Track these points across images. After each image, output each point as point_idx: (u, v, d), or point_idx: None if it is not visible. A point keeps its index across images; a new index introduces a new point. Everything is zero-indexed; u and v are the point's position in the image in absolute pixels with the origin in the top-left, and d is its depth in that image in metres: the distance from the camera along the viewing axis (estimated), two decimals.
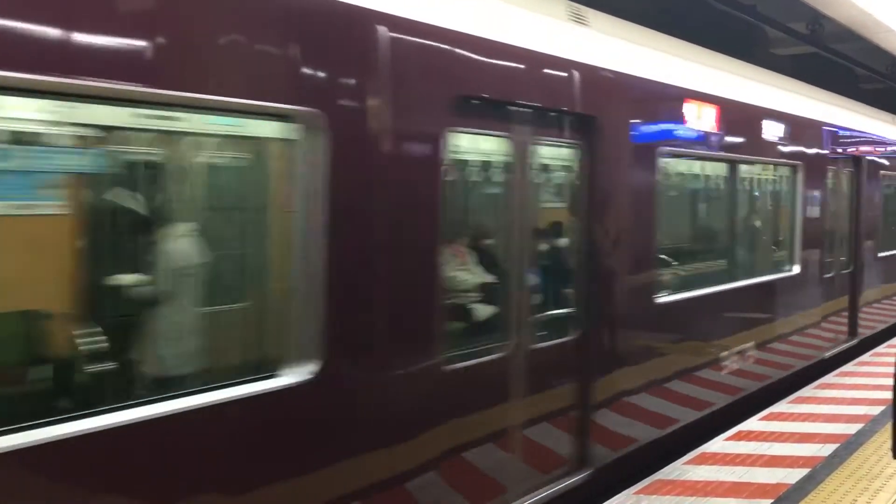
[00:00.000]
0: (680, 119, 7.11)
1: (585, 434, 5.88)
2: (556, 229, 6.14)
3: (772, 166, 9.50)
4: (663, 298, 6.85)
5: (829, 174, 10.56)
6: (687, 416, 7.19)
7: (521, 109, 5.27)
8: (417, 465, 4.52)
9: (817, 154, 10.18)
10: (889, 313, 13.39)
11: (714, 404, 7.67)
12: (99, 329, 3.90)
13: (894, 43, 12.98)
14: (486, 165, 5.67)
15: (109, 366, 3.87)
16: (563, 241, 6.09)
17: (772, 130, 8.92)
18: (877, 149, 12.32)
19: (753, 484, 6.05)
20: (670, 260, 7.38)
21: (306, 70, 3.89)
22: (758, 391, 8.53)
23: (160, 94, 3.36)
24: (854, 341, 11.57)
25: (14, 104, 3.22)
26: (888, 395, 6.85)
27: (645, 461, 6.49)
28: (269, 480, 3.78)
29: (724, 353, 7.83)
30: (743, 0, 10.57)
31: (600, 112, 5.89)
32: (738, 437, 7.26)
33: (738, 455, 6.71)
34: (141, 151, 4.33)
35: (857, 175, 11.69)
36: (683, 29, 8.30)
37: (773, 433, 7.32)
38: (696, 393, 7.40)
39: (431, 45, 4.61)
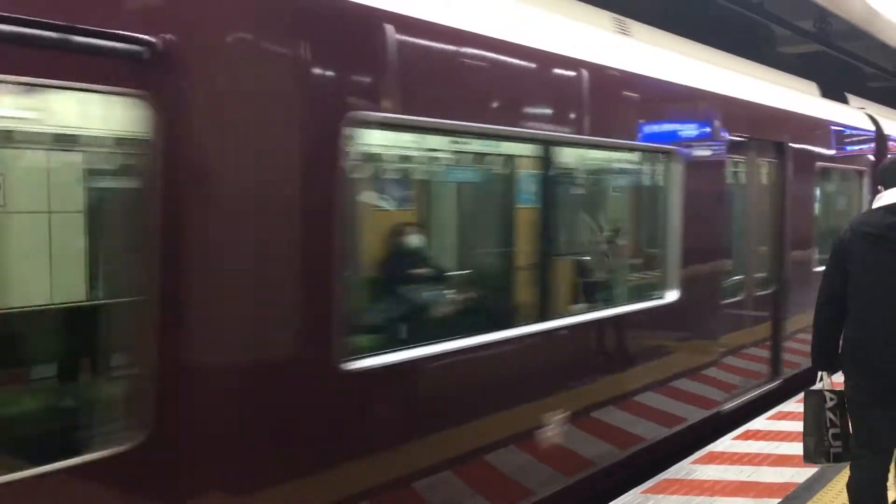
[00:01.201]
0: None
1: None
2: None
3: None
4: None
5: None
6: None
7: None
8: None
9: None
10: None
11: None
12: None
13: None
14: None
15: None
16: None
17: None
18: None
19: (761, 483, 6.03)
20: None
21: None
22: None
23: None
24: None
25: None
26: None
27: None
28: None
29: None
30: None
31: None
32: (746, 436, 7.23)
33: (746, 454, 6.68)
34: None
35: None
36: (690, 28, 8.28)
37: (780, 432, 7.29)
38: None
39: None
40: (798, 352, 9.24)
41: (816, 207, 9.97)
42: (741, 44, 9.48)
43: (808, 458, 4.83)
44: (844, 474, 6.10)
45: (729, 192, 7.98)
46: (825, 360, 4.73)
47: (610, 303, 6.72)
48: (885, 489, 4.56)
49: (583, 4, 6.62)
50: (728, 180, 7.95)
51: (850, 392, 4.59)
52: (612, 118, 6.34)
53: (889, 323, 4.42)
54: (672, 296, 6.95)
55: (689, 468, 6.36)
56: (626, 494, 5.86)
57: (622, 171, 7.28)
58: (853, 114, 11.59)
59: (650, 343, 6.85)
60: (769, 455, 6.65)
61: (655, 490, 5.90)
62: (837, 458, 4.71)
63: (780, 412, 8.02)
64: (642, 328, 6.73)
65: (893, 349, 4.39)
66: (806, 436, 4.78)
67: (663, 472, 6.26)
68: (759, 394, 8.49)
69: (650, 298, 6.94)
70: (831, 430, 4.65)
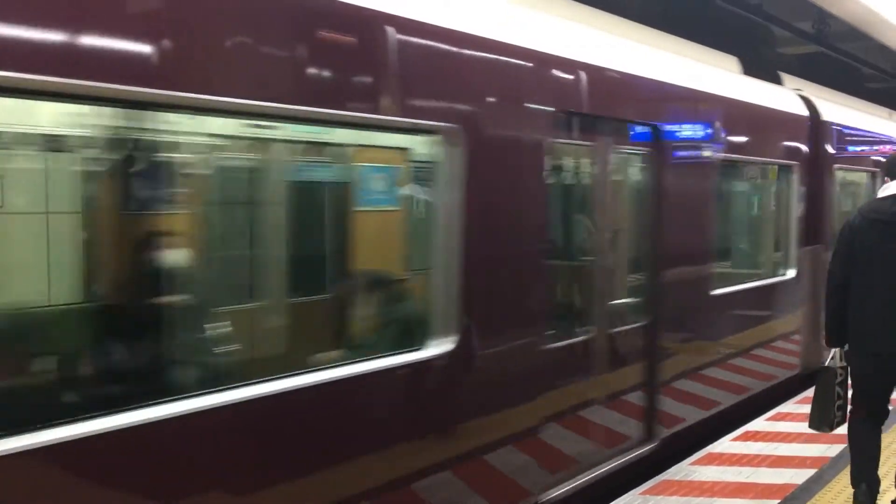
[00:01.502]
0: None
1: None
2: None
3: None
4: None
5: None
6: None
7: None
8: None
9: None
10: None
11: None
12: None
13: None
14: None
15: None
16: None
17: None
18: None
19: (760, 484, 6.04)
20: None
21: None
22: None
23: None
24: None
25: None
26: None
27: None
28: None
29: None
30: None
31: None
32: (745, 437, 7.25)
33: (745, 455, 6.70)
34: None
35: None
36: (688, 28, 8.30)
37: (779, 433, 7.31)
38: None
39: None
40: (687, 397, 7.21)
41: (717, 212, 7.60)
42: (740, 45, 9.49)
43: (813, 425, 5.52)
44: (842, 477, 6.15)
45: (557, 189, 5.90)
46: (837, 338, 5.26)
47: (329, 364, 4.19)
48: (878, 445, 5.25)
49: None
50: (553, 172, 5.60)
51: (852, 364, 5.23)
52: (325, 79, 3.96)
53: (888, 306, 4.93)
54: (442, 345, 4.59)
55: (688, 469, 6.38)
56: (626, 495, 5.87)
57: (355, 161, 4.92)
58: (780, 95, 9.29)
59: (399, 422, 4.44)
60: (768, 456, 6.67)
61: (655, 491, 5.92)
62: (838, 425, 5.43)
63: (778, 413, 8.03)
64: (382, 400, 4.35)
65: (891, 331, 4.93)
66: (814, 406, 5.43)
67: (663, 473, 6.28)
68: (616, 466, 6.17)
69: (400, 352, 4.50)
70: (836, 402, 5.30)
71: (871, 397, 5.20)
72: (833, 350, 5.30)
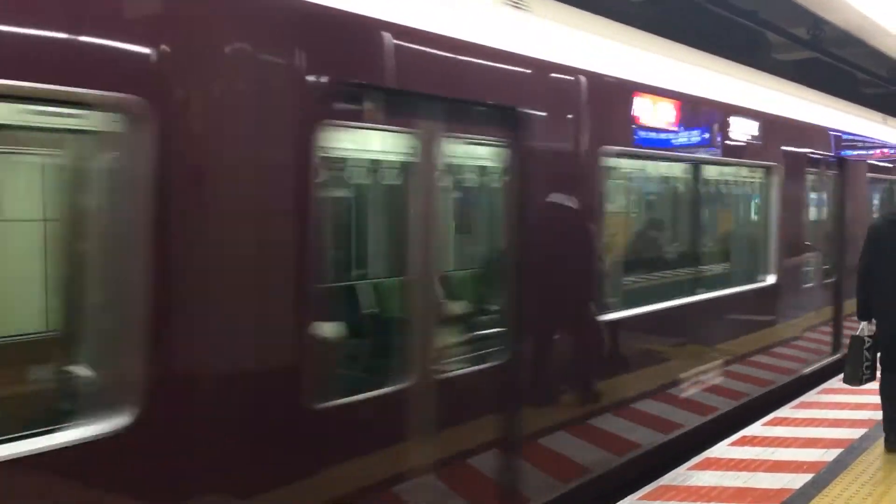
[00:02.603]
0: None
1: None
2: None
3: None
4: None
5: None
6: None
7: None
8: None
9: None
10: None
11: None
12: None
13: (895, 47, 13.00)
14: None
15: None
16: None
17: None
18: None
19: (757, 489, 6.05)
20: None
21: None
22: None
23: None
24: None
25: None
26: None
27: None
28: None
29: None
30: (744, 6, 10.59)
31: None
32: (742, 442, 7.26)
33: (743, 460, 6.71)
34: None
35: None
36: (686, 35, 8.32)
37: (777, 438, 7.32)
38: None
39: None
40: None
41: None
42: (737, 51, 9.52)
43: (847, 380, 6.93)
44: (840, 480, 6.17)
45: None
46: (865, 314, 6.70)
47: None
48: None
49: None
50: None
51: (879, 335, 6.62)
52: None
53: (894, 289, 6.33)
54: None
55: (685, 474, 6.39)
56: (624, 501, 5.87)
57: None
58: None
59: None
60: (765, 461, 6.68)
61: (652, 496, 5.92)
62: (866, 381, 6.85)
63: (776, 418, 8.05)
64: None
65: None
66: (846, 365, 6.89)
67: (660, 479, 6.28)
68: None
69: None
70: (865, 364, 6.67)
71: (890, 357, 6.57)
72: (862, 323, 6.72)
